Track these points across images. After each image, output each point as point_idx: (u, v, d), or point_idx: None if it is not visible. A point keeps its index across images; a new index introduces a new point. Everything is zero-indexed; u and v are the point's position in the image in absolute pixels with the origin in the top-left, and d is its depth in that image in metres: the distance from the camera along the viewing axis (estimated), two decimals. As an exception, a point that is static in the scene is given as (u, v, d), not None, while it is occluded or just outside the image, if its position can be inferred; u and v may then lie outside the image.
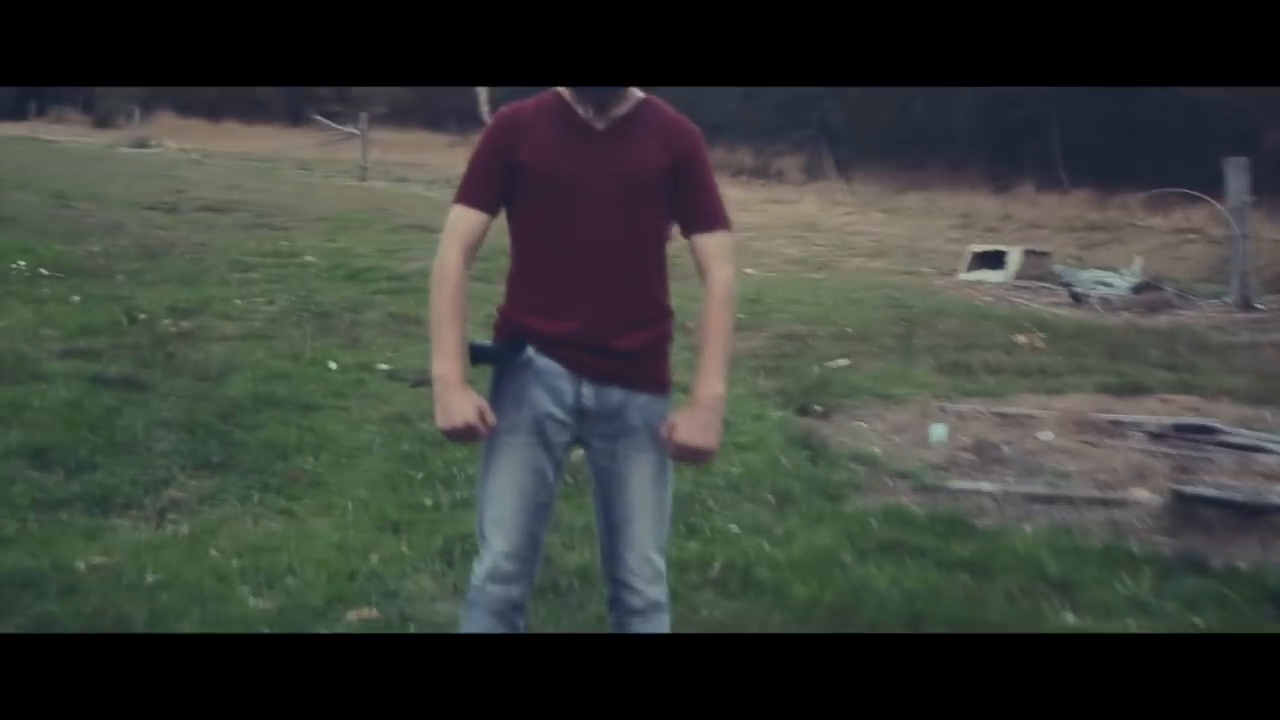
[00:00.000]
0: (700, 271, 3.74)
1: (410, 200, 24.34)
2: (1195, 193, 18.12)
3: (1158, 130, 32.64)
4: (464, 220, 3.72)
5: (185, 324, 10.66)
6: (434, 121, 48.27)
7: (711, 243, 3.72)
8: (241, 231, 17.50)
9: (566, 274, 3.64)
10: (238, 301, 11.99)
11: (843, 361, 10.59)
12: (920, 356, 10.94)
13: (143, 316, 10.76)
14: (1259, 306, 14.63)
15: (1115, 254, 22.21)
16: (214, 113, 53.84)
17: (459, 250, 3.70)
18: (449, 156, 38.57)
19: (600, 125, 3.65)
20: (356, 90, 50.59)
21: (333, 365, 9.42)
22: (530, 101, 3.76)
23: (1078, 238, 24.70)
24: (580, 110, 3.65)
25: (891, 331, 12.08)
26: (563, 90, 3.69)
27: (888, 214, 29.03)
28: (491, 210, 3.73)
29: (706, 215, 3.74)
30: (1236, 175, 14.83)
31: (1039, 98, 34.70)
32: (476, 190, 3.73)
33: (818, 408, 8.87)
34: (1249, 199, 14.91)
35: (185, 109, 54.79)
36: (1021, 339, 11.76)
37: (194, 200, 21.07)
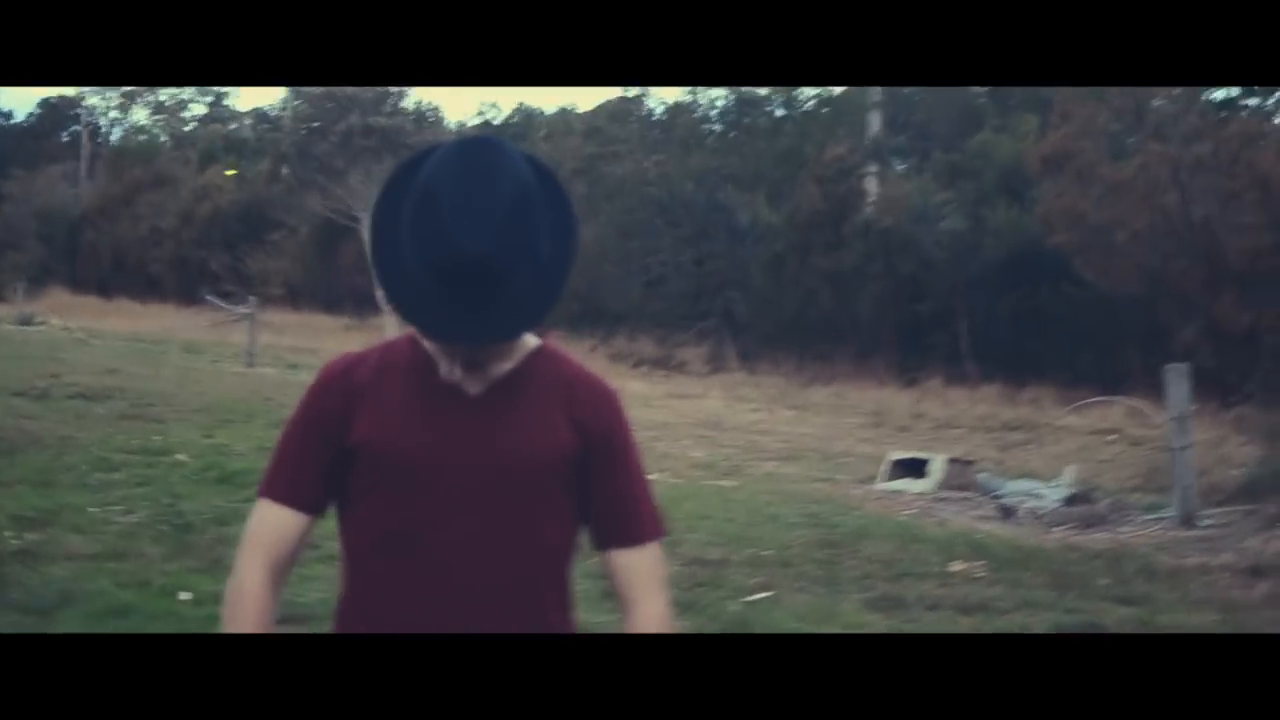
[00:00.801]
0: (622, 602, 2.75)
1: (297, 390, 22.72)
2: (1128, 401, 17.33)
3: (1067, 324, 32.33)
4: (269, 522, 2.73)
5: (29, 537, 9.58)
6: (330, 303, 47.50)
7: (639, 562, 2.76)
8: (113, 424, 16.42)
9: (421, 605, 2.65)
10: (92, 510, 10.87)
11: (763, 595, 9.51)
12: (848, 588, 9.91)
13: (-18, 525, 9.55)
14: (1202, 523, 13.71)
15: (1034, 456, 21.61)
16: (105, 290, 53.03)
17: (261, 566, 2.69)
18: (343, 342, 37.65)
19: (473, 389, 2.71)
20: (253, 267, 49.85)
21: (185, 596, 8.24)
22: (374, 350, 2.84)
23: (994, 438, 24.06)
24: (444, 366, 2.69)
25: (814, 557, 11.05)
26: (416, 336, 2.74)
27: (796, 411, 28.32)
28: (311, 509, 2.75)
29: (631, 521, 2.78)
30: (1176, 383, 13.99)
31: (947, 288, 34.43)
32: (288, 480, 2.74)
33: (738, 658, 7.74)
34: (1190, 408, 14.05)
35: (77, 285, 53.93)
36: (958, 566, 10.77)
37: (69, 385, 19.97)
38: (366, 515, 2.70)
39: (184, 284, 51.13)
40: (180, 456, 14.01)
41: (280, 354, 32.95)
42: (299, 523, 2.71)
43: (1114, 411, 26.04)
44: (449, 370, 2.68)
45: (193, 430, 16.37)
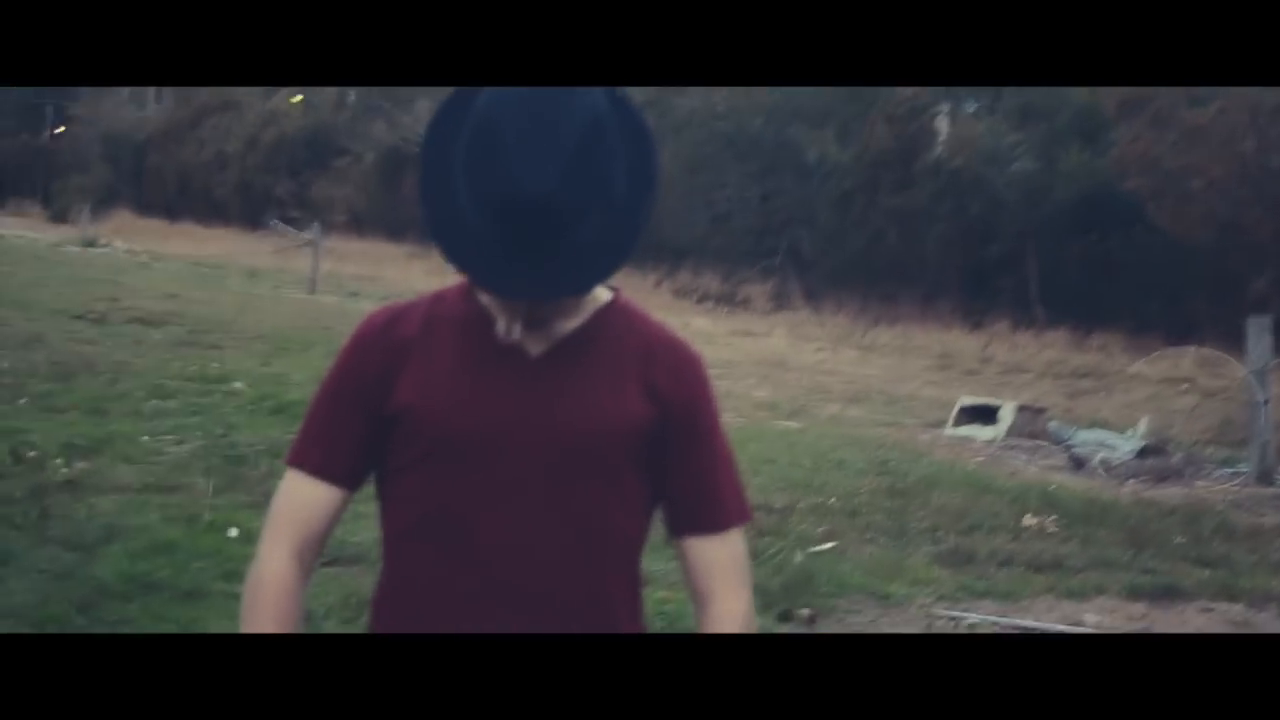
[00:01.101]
0: (697, 596, 2.42)
1: (358, 318, 22.71)
2: (1206, 350, 16.88)
3: (1136, 270, 31.91)
4: (299, 497, 2.41)
5: (78, 466, 9.37)
6: (394, 231, 47.30)
7: (718, 552, 2.41)
8: (170, 350, 16.31)
9: (470, 596, 2.32)
10: (144, 439, 10.67)
11: (828, 545, 9.23)
12: (917, 540, 9.62)
13: (32, 454, 9.49)
14: (1278, 479, 13.36)
15: (1104, 404, 21.30)
16: (171, 213, 53.10)
17: (288, 551, 2.38)
18: (405, 270, 37.69)
19: (535, 349, 2.37)
20: (318, 194, 49.76)
21: (234, 533, 7.97)
22: (420, 302, 2.49)
23: (1063, 385, 23.75)
24: (501, 323, 2.33)
25: (882, 505, 10.76)
26: (469, 287, 2.43)
27: (861, 352, 28.04)
28: (346, 482, 2.42)
29: (712, 504, 2.43)
30: (1258, 335, 13.61)
31: (1016, 231, 34.00)
32: (322, 450, 2.41)
33: (804, 612, 7.50)
34: (1273, 361, 13.66)
35: (143, 208, 54.07)
36: (1030, 521, 10.46)
37: (127, 310, 19.96)
38: (406, 494, 2.38)
39: (248, 209, 51.12)
40: (236, 385, 13.88)
41: (343, 281, 32.89)
42: (332, 498, 2.39)
43: (1185, 361, 25.66)
44: (507, 328, 2.30)
45: (250, 358, 16.27)
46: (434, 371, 2.36)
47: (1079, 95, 36.12)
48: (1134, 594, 8.50)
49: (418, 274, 39.15)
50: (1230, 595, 8.70)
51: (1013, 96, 39.00)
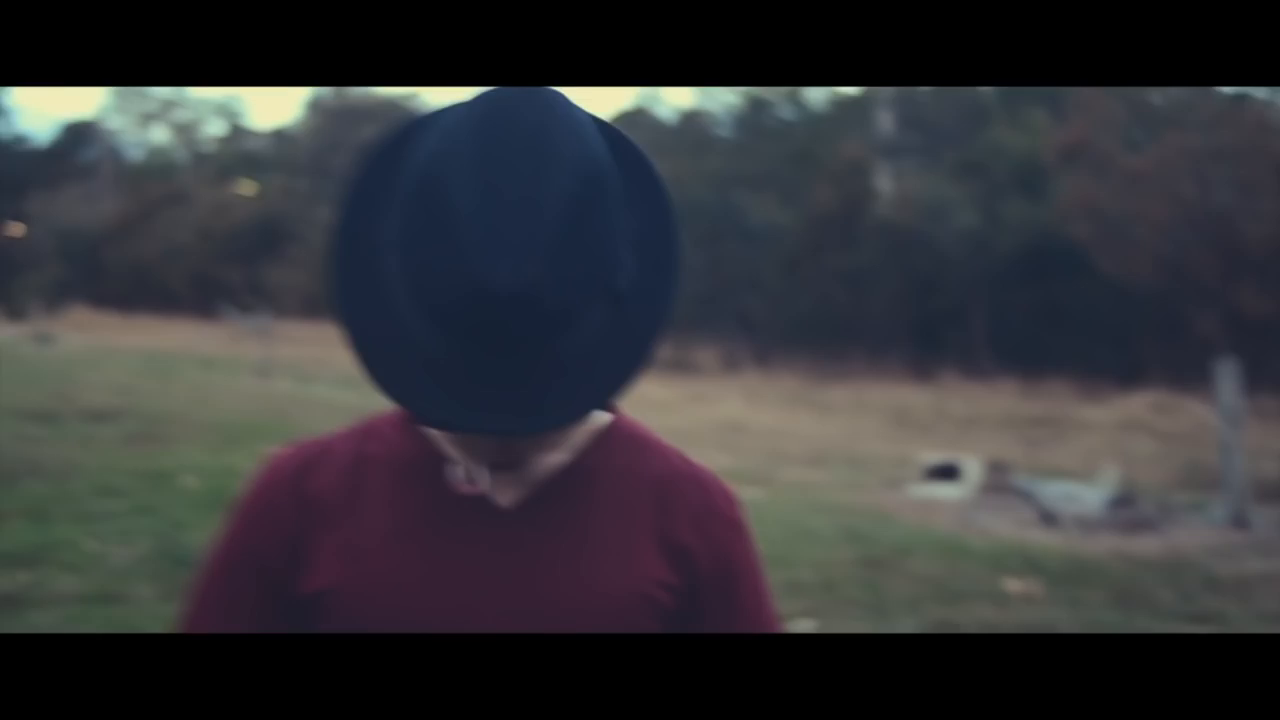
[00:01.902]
0: None
1: (311, 404, 22.81)
2: (1174, 396, 16.77)
3: (1083, 316, 32.07)
4: None
5: (19, 578, 8.97)
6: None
7: None
8: (120, 445, 15.87)
9: None
10: (91, 545, 10.25)
11: (808, 624, 8.93)
12: (898, 614, 9.30)
13: (-32, 567, 9.08)
14: (1254, 525, 13.18)
15: (1062, 453, 21.13)
16: (126, 305, 52.82)
17: None
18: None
19: (507, 499, 1.78)
20: (271, 281, 49.75)
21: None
22: (342, 438, 1.87)
23: (1019, 435, 23.58)
24: (459, 468, 1.77)
25: (858, 577, 10.45)
26: (414, 425, 1.84)
27: (816, 412, 27.85)
28: None
29: None
30: (1227, 377, 13.43)
31: (962, 284, 34.10)
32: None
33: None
34: (1242, 404, 13.49)
35: (99, 301, 53.82)
36: (1013, 586, 10.19)
37: (79, 407, 19.36)
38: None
39: (202, 299, 50.83)
40: (188, 480, 13.48)
41: (297, 365, 32.45)
42: None
43: (1136, 404, 25.67)
44: (468, 474, 1.75)
45: (201, 451, 15.81)
46: (365, 538, 1.76)
47: (1017, 148, 36.38)
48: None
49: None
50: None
51: (951, 151, 39.25)
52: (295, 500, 1.78)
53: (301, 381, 28.77)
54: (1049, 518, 13.90)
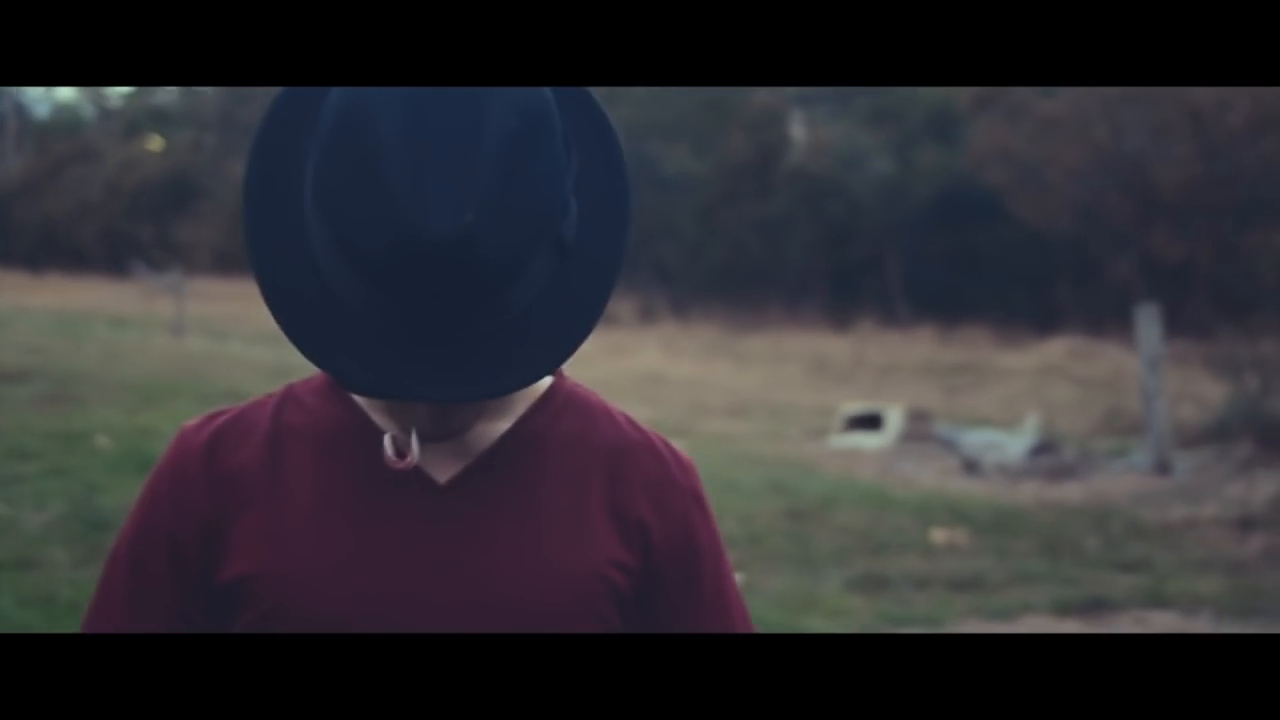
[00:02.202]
0: None
1: (226, 362, 22.54)
2: (1091, 342, 16.77)
3: (998, 263, 32.15)
4: None
5: (-70, 545, 8.74)
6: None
7: None
8: (32, 406, 15.52)
9: None
10: (2, 509, 10.04)
11: (737, 578, 8.83)
12: (826, 566, 9.26)
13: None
14: (1176, 470, 13.20)
15: (981, 399, 21.16)
16: (35, 265, 52.05)
17: None
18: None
19: (443, 474, 1.61)
20: (181, 237, 49.17)
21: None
22: (261, 406, 1.70)
23: (938, 382, 23.60)
24: (389, 440, 1.58)
25: (783, 529, 10.39)
26: (339, 392, 1.67)
27: (735, 362, 27.77)
28: None
29: None
30: (1148, 323, 13.41)
31: (877, 231, 34.11)
32: (117, 628, 1.65)
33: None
34: (1163, 350, 13.49)
35: (6, 261, 53.05)
36: (939, 536, 10.13)
37: (-10, 369, 19.01)
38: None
39: (113, 257, 50.08)
40: (101, 441, 13.21)
41: (210, 323, 32.05)
42: None
43: (1053, 350, 25.76)
44: (397, 447, 1.57)
45: (116, 411, 15.49)
46: (288, 518, 1.59)
47: (931, 94, 36.33)
48: (1062, 609, 8.19)
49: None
50: (1160, 602, 8.49)
51: (865, 98, 39.18)
52: (208, 477, 1.62)
53: (216, 339, 28.46)
54: (972, 466, 13.90)
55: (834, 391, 21.63)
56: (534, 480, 1.62)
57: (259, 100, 43.49)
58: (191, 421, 1.71)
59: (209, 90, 51.89)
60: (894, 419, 15.77)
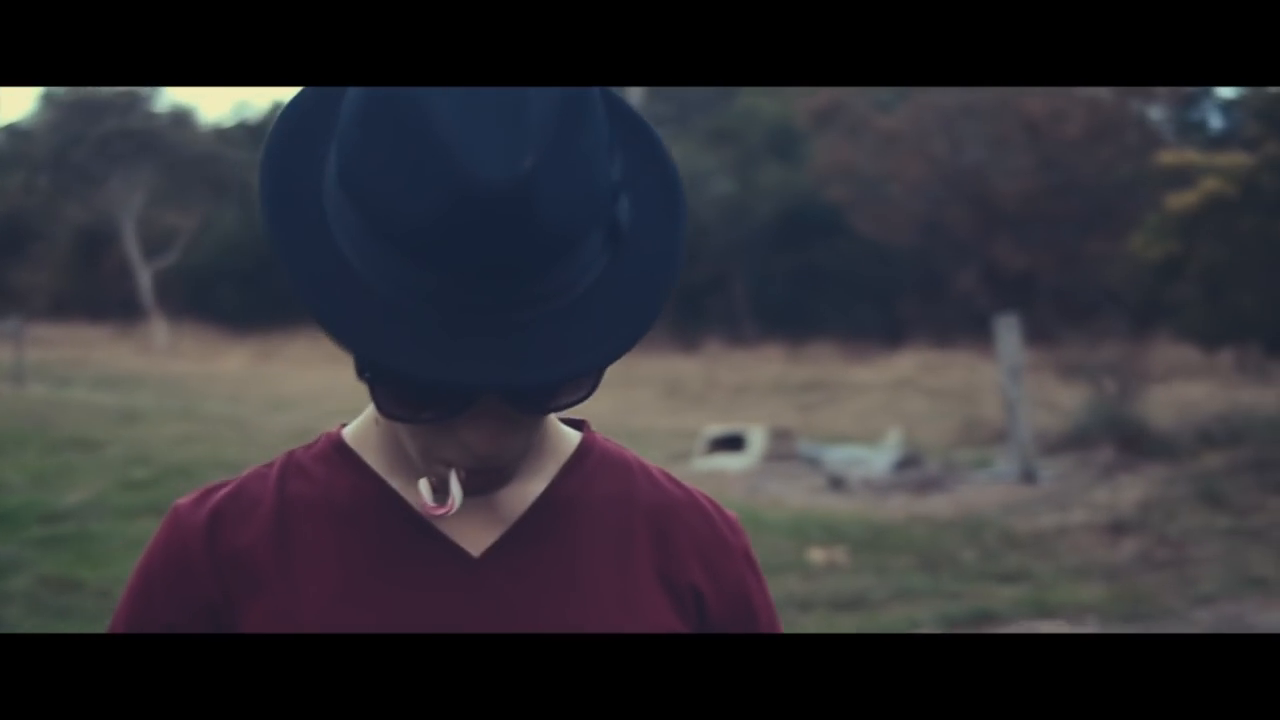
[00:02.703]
0: None
1: (70, 408, 21.91)
2: (938, 353, 16.81)
3: (843, 279, 32.31)
4: None
5: None
6: (97, 312, 45.82)
7: None
8: None
9: None
10: None
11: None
12: (706, 590, 9.06)
13: None
14: (1041, 477, 13.22)
15: (838, 416, 21.18)
16: None
17: None
18: (113, 351, 36.24)
19: (477, 545, 1.45)
20: (15, 282, 48.06)
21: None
22: (262, 476, 1.51)
23: (792, 400, 23.61)
24: (424, 486, 1.39)
25: (658, 554, 10.18)
26: (340, 443, 1.51)
27: (588, 387, 27.62)
28: None
29: None
30: (1007, 334, 13.42)
31: (720, 251, 34.11)
32: None
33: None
34: (1022, 359, 13.50)
35: None
36: (817, 555, 9.99)
37: None
38: None
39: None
40: (-56, 495, 12.60)
41: (50, 368, 31.19)
42: None
43: (903, 363, 25.90)
44: (435, 495, 1.38)
45: (-43, 465, 14.95)
46: (302, 602, 1.42)
47: (769, 113, 36.52)
48: (951, 624, 8.04)
49: (127, 353, 37.74)
50: (1045, 611, 8.38)
51: (703, 118, 39.30)
52: (211, 561, 1.44)
53: (58, 385, 27.71)
54: (838, 483, 13.81)
55: (689, 414, 21.51)
56: (574, 547, 1.47)
57: (88, 140, 42.56)
58: (185, 498, 1.50)
59: (37, 130, 50.74)
60: (757, 439, 15.65)
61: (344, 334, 1.27)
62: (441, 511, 1.35)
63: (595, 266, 1.30)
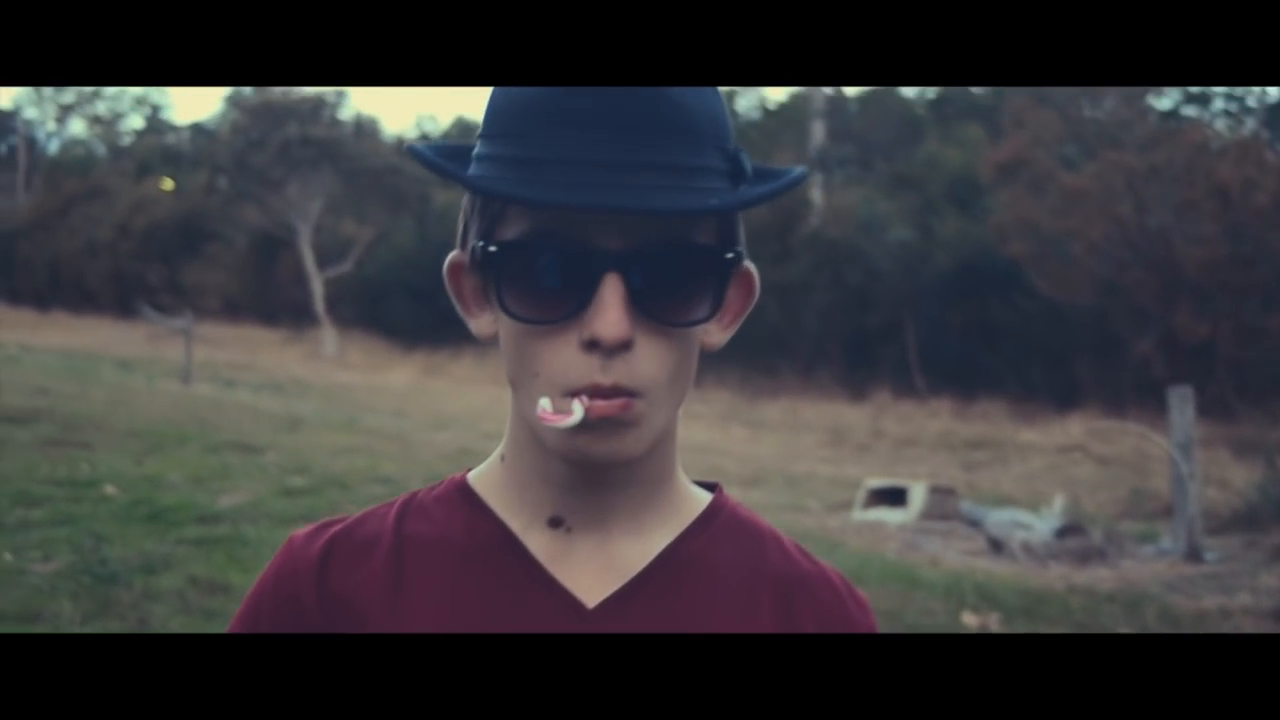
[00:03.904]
0: None
1: (234, 410, 22.36)
2: (1139, 429, 16.48)
3: (1018, 336, 31.90)
4: None
5: (-70, 595, 8.45)
6: (268, 316, 46.70)
7: None
8: (39, 450, 15.19)
9: None
10: (7, 557, 9.75)
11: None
12: (855, 648, 8.94)
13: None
14: (1207, 557, 12.88)
15: (1003, 477, 20.89)
16: (42, 303, 52.15)
17: None
18: (280, 356, 36.82)
19: (593, 596, 1.45)
20: (190, 280, 49.09)
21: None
22: (379, 515, 1.53)
23: (957, 457, 23.36)
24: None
25: (810, 608, 10.08)
26: (465, 486, 1.53)
27: (750, 429, 27.50)
28: None
29: None
30: (1180, 406, 13.10)
31: (895, 300, 33.87)
32: None
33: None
34: (1195, 434, 13.19)
35: (14, 299, 53.16)
36: (970, 619, 9.82)
37: (-6, 407, 18.73)
38: None
39: (121, 298, 50.11)
40: (108, 489, 12.90)
41: (217, 369, 31.94)
42: None
43: (1073, 427, 25.48)
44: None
45: (123, 458, 15.21)
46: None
47: (952, 162, 36.22)
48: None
49: (295, 359, 38.35)
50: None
51: (884, 165, 39.09)
52: (319, 598, 1.46)
53: (223, 386, 28.27)
54: (997, 545, 13.57)
55: (852, 463, 21.38)
56: (693, 608, 1.46)
57: (270, 144, 43.22)
58: (301, 531, 1.54)
59: (223, 133, 51.68)
60: (918, 495, 15.47)
61: (471, 182, 1.36)
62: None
63: (716, 194, 1.36)
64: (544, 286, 1.34)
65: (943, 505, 15.33)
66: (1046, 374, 31.44)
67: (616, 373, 1.34)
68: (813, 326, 35.40)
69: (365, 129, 47.94)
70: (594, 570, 1.45)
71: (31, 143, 74.52)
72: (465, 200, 1.45)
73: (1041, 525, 14.06)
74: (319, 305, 43.61)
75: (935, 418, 28.97)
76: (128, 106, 74.84)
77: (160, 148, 66.08)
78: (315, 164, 42.76)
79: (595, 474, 1.42)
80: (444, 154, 1.42)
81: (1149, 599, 11.05)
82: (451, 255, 1.47)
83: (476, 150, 1.39)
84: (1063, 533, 13.86)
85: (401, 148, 46.25)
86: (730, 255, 1.40)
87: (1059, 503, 15.25)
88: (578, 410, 1.34)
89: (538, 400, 1.37)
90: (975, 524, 14.58)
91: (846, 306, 34.93)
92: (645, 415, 1.37)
